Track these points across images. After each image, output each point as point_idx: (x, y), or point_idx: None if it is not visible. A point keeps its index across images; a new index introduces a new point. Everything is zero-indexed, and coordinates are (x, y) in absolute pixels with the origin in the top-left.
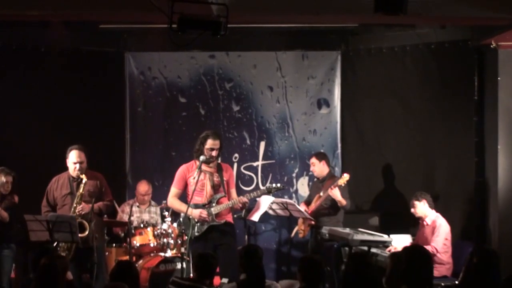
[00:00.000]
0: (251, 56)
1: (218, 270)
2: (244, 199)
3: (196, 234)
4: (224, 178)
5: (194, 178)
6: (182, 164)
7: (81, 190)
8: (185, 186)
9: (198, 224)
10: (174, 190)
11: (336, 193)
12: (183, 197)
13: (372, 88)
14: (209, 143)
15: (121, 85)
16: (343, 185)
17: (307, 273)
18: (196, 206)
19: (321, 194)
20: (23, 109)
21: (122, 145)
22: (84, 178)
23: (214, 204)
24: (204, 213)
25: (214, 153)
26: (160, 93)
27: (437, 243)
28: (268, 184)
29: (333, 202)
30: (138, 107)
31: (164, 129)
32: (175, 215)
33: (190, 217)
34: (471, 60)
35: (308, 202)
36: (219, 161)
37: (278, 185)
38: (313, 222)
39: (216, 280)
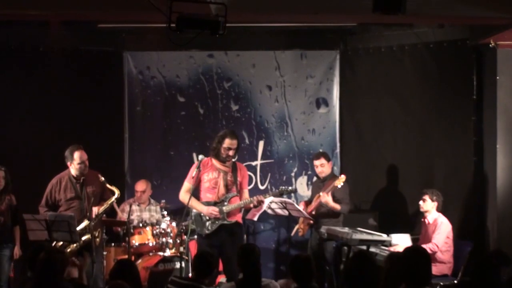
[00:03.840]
0: (250, 55)
1: (222, 269)
2: (261, 197)
3: (207, 231)
4: (238, 179)
5: (207, 175)
6: (180, 164)
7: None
8: (199, 182)
9: (210, 221)
10: (187, 185)
11: (327, 200)
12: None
13: (370, 87)
14: (227, 142)
15: (120, 84)
16: (339, 186)
17: (297, 273)
18: (208, 204)
19: (321, 193)
20: (21, 109)
21: (121, 145)
22: (116, 191)
23: (226, 203)
24: (215, 210)
25: (231, 153)
26: (159, 93)
27: (438, 240)
28: (281, 187)
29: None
30: (136, 107)
31: (163, 129)
32: (174, 214)
33: (202, 214)
34: (469, 60)
35: (309, 202)
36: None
37: (290, 188)
38: (311, 221)
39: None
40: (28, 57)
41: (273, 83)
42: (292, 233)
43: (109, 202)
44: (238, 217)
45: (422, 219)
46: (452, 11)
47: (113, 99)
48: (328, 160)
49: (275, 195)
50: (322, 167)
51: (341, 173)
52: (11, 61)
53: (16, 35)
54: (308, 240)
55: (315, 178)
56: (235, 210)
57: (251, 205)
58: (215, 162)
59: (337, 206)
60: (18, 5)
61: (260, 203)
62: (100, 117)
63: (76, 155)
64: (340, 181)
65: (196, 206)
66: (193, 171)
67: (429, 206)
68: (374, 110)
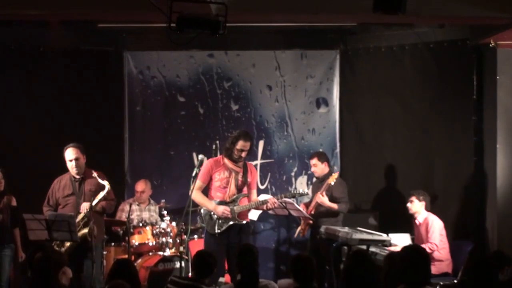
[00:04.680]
0: (250, 55)
1: (227, 268)
2: (274, 200)
3: (218, 231)
4: (248, 179)
5: (219, 174)
6: (180, 164)
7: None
8: (210, 180)
9: (220, 221)
10: (198, 183)
11: (324, 200)
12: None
13: (371, 87)
14: (240, 144)
15: (120, 84)
16: (332, 183)
17: (298, 273)
18: (219, 203)
19: (319, 193)
20: (21, 109)
21: (121, 145)
22: (106, 185)
23: (236, 203)
24: (227, 210)
25: (243, 154)
26: (159, 92)
27: (435, 239)
28: (294, 188)
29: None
30: (137, 107)
31: (163, 128)
32: (174, 214)
33: (212, 213)
34: (470, 59)
35: (309, 203)
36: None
37: (301, 190)
38: (310, 221)
39: (228, 278)
40: (28, 57)
41: (273, 83)
42: (295, 235)
43: (99, 197)
44: (247, 218)
45: (413, 221)
46: (452, 11)
47: (113, 99)
48: (323, 160)
49: (287, 198)
50: (315, 167)
51: (341, 173)
52: (11, 61)
53: (16, 35)
54: (307, 240)
55: (300, 180)
56: (246, 210)
57: (264, 207)
58: (227, 161)
59: (334, 206)
60: (18, 5)
61: (274, 205)
62: (100, 117)
63: (66, 152)
64: (332, 178)
65: (208, 205)
66: (207, 169)
67: (417, 206)
68: (374, 110)
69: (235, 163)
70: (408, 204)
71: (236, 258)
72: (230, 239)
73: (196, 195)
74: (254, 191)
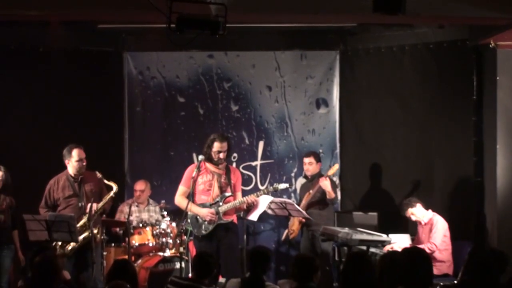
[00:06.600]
0: (250, 55)
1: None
2: (253, 197)
3: (204, 233)
4: (232, 181)
5: (201, 177)
6: (180, 164)
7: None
8: (194, 185)
9: (206, 223)
10: (182, 188)
11: (326, 184)
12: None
13: (370, 88)
14: (216, 146)
15: (120, 85)
16: (331, 174)
17: (299, 272)
18: (203, 206)
19: (311, 191)
20: (21, 109)
21: (121, 145)
22: (114, 186)
23: (221, 203)
24: (212, 212)
25: (221, 156)
26: (159, 93)
27: (436, 239)
28: (275, 184)
29: (321, 198)
30: (136, 107)
31: (163, 129)
32: (174, 214)
33: (198, 216)
34: (469, 60)
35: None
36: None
37: (281, 185)
38: (303, 220)
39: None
40: (28, 57)
41: (273, 83)
42: (283, 238)
43: (107, 197)
44: (234, 218)
45: (417, 221)
46: (452, 11)
47: (113, 99)
48: (318, 160)
49: (268, 192)
50: (310, 165)
51: (340, 174)
52: (11, 61)
53: (16, 35)
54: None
55: (300, 181)
56: (231, 210)
57: (245, 206)
58: (208, 165)
59: (333, 193)
60: (18, 5)
61: (253, 202)
62: (100, 118)
63: (75, 152)
64: (333, 170)
65: (194, 210)
66: (190, 174)
67: (418, 214)
68: (374, 110)
69: (216, 165)
70: (412, 217)
71: (247, 257)
72: (218, 239)
73: (180, 200)
74: (239, 193)
